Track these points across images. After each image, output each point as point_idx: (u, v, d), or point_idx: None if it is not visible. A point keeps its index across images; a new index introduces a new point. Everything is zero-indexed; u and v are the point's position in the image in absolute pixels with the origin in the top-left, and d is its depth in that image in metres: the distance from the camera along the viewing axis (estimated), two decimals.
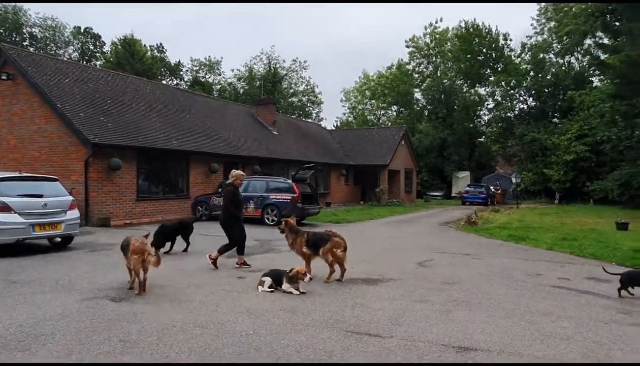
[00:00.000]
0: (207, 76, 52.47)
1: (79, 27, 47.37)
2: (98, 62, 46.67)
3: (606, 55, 24.88)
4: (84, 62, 44.41)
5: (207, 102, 24.71)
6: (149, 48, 47.39)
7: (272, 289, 6.37)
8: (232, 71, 70.23)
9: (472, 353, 4.19)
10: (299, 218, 16.60)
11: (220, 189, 17.48)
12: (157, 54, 48.21)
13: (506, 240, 12.71)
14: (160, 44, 49.09)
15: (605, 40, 29.45)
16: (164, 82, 45.67)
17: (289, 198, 15.71)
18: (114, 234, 12.65)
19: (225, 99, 42.96)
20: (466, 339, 4.54)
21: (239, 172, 8.68)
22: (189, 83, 50.17)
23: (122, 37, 43.41)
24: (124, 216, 15.39)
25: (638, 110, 20.77)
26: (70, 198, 10.14)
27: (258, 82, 48.13)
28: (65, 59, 39.73)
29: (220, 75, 53.19)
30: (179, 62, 50.27)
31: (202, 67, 51.95)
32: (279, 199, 15.82)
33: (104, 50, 47.97)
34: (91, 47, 48.30)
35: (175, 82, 49.46)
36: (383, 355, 4.11)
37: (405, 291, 6.58)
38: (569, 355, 4.17)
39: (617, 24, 24.44)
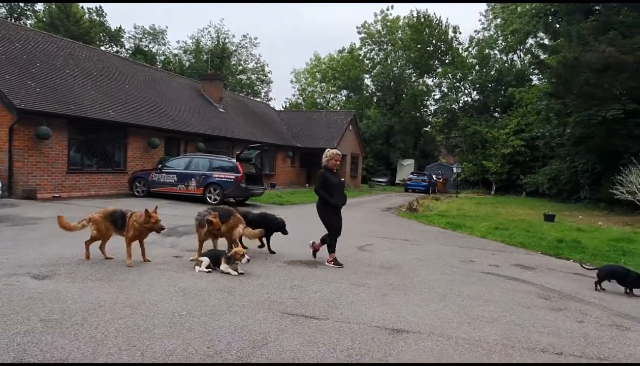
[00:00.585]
0: (150, 46, 49.94)
1: None
2: (29, 22, 43.02)
3: (545, 55, 26.16)
4: (12, 20, 40.83)
5: (150, 73, 23.54)
6: (86, 10, 44.31)
7: (210, 269, 6.20)
8: (178, 42, 67.43)
9: (404, 334, 4.28)
10: (243, 198, 16.42)
11: (160, 165, 16.84)
12: (95, 17, 45.15)
13: (444, 228, 13.18)
14: (100, 7, 45.96)
15: (546, 41, 30.93)
16: (102, 48, 43.03)
17: (233, 177, 15.39)
18: (41, 208, 11.85)
19: (169, 71, 41.22)
20: (399, 321, 4.63)
21: (334, 151, 7.31)
22: (130, 51, 47.50)
23: None
24: (52, 189, 14.43)
25: (570, 109, 22.10)
26: None
27: (205, 56, 46.49)
28: None
29: (165, 45, 50.84)
30: (120, 28, 47.36)
31: (146, 35, 49.32)
32: (222, 178, 15.47)
33: (36, 8, 44.25)
34: (21, 5, 44.37)
35: (115, 49, 46.64)
36: (317, 336, 4.10)
37: (344, 274, 6.63)
38: (493, 337, 4.36)
39: (558, 25, 25.69)
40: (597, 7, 20.92)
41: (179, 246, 7.97)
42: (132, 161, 17.49)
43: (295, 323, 4.40)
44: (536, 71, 33.99)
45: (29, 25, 40.41)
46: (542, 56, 26.20)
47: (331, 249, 7.27)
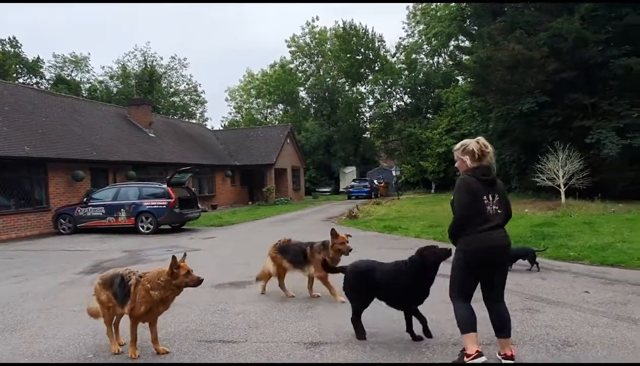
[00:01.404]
0: (73, 74, 47.66)
1: None
2: None
3: (465, 57, 27.57)
4: None
5: (70, 103, 22.40)
6: None
7: None
8: (103, 68, 64.67)
9: (321, 347, 4.24)
10: (178, 223, 15.91)
11: (85, 198, 16.01)
12: (9, 48, 42.54)
13: (381, 231, 13.39)
14: (14, 37, 43.39)
15: (466, 43, 32.68)
16: (20, 80, 40.64)
17: (165, 203, 14.87)
18: None
19: (96, 98, 39.53)
20: (318, 334, 4.59)
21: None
22: (51, 82, 45.12)
23: None
24: None
25: (491, 106, 23.38)
26: None
27: (133, 81, 45.01)
28: None
29: (89, 72, 48.68)
30: (38, 58, 44.82)
31: (67, 63, 47.01)
32: (154, 205, 14.91)
33: None
34: None
35: (34, 81, 44.12)
36: (232, 360, 3.97)
37: (272, 291, 6.50)
38: (408, 337, 4.40)
39: (474, 28, 27.20)
40: (504, 8, 22.36)
41: None
42: (55, 197, 16.50)
43: (210, 350, 4.25)
44: (459, 72, 35.77)
45: None
46: (464, 58, 27.58)
47: None
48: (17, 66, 42.50)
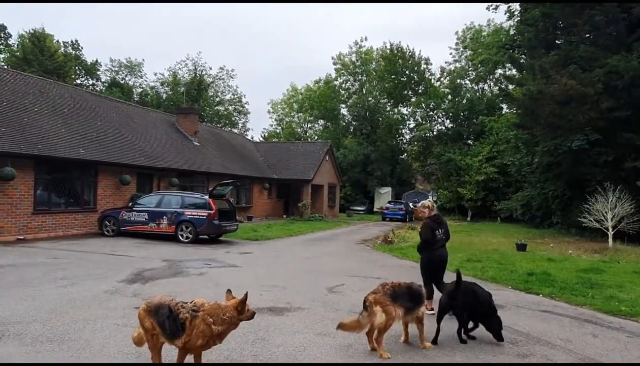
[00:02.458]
0: (127, 78, 49.84)
1: None
2: (2, 55, 42.58)
3: (512, 87, 27.04)
4: None
5: (123, 109, 23.34)
6: (62, 44, 44.13)
7: None
8: (155, 74, 67.30)
9: None
10: (216, 234, 16.17)
11: (130, 203, 16.53)
12: (71, 51, 44.95)
13: (417, 261, 13.08)
14: (76, 40, 45.86)
15: (514, 71, 32.07)
16: (78, 81, 42.76)
17: (205, 214, 15.17)
18: (2, 253, 11.43)
19: (146, 103, 41.09)
20: None
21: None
22: (107, 84, 47.28)
23: (31, 30, 40.05)
24: (16, 231, 13.96)
25: (537, 139, 22.74)
26: None
27: (182, 89, 46.55)
28: None
29: (142, 78, 50.82)
30: (96, 61, 47.23)
31: (122, 68, 49.26)
32: (195, 215, 15.23)
33: (10, 42, 43.90)
34: None
35: (91, 82, 46.37)
36: None
37: (310, 322, 6.48)
38: None
39: (524, 58, 26.68)
40: (557, 42, 21.84)
41: (142, 294, 7.68)
42: (102, 199, 17.13)
43: None
44: (505, 102, 35.13)
45: (1, 59, 40.03)
46: (510, 87, 27.05)
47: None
48: (76, 68, 44.77)
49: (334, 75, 53.32)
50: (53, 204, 15.50)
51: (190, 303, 4.21)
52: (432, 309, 6.93)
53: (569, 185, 22.10)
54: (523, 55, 26.90)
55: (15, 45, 42.23)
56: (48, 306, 6.69)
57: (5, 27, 43.92)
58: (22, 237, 14.00)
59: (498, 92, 38.07)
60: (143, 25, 78.92)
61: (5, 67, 29.50)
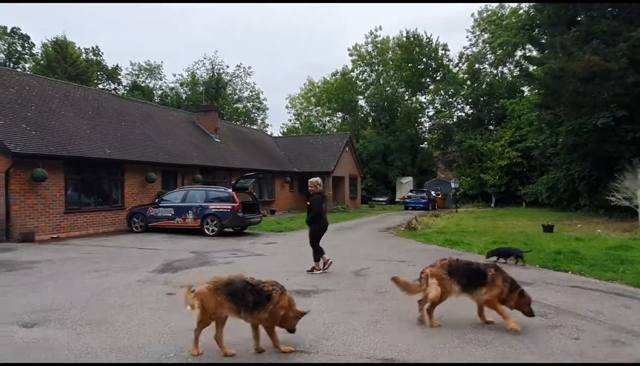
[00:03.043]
0: (147, 81, 50.74)
1: (5, 27, 44.33)
2: (27, 65, 43.87)
3: (533, 67, 26.47)
4: (11, 65, 41.61)
5: (145, 109, 23.84)
6: (83, 51, 45.18)
7: None
8: (174, 75, 68.44)
9: (394, 363, 4.24)
10: (241, 227, 16.42)
11: (157, 199, 16.90)
12: (92, 57, 46.00)
13: (442, 245, 13.11)
14: (96, 46, 46.91)
15: (534, 53, 31.37)
16: (100, 86, 43.72)
17: (229, 207, 15.41)
18: (38, 250, 11.88)
19: (167, 104, 41.76)
20: (390, 350, 4.59)
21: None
22: (128, 88, 48.26)
23: (53, 39, 41.11)
24: (50, 230, 14.46)
25: (561, 119, 22.25)
26: None
27: (201, 88, 47.14)
28: None
29: (161, 80, 51.67)
30: (117, 66, 48.24)
31: (142, 71, 50.16)
32: (219, 208, 15.49)
33: (34, 51, 45.20)
34: (19, 49, 45.34)
35: (112, 87, 47.41)
36: None
37: (337, 302, 6.58)
38: (487, 361, 4.31)
39: (544, 37, 26.08)
40: (578, 18, 21.28)
41: (172, 282, 7.91)
42: (129, 196, 17.57)
43: (284, 359, 4.36)
44: (526, 83, 34.41)
45: (27, 68, 41.29)
46: (530, 68, 26.49)
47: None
48: (98, 73, 45.82)
49: (350, 67, 53.18)
50: (83, 203, 15.99)
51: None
52: (319, 269, 8.77)
53: (596, 165, 21.57)
54: (543, 35, 26.31)
55: (39, 54, 43.44)
56: (85, 294, 6.96)
57: (28, 37, 45.26)
58: (55, 236, 14.50)
59: (518, 74, 37.31)
60: (161, 27, 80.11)
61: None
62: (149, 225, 16.20)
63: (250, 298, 4.39)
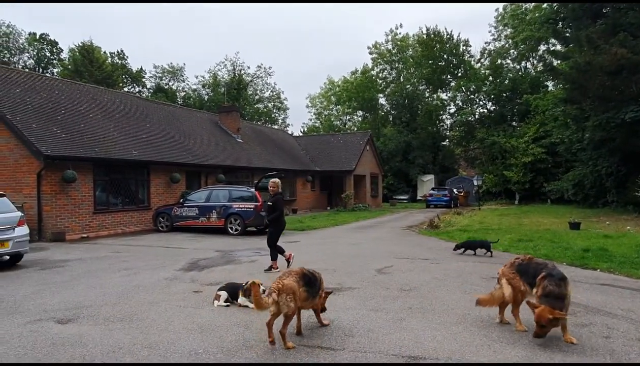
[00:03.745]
0: (170, 83, 51.64)
1: (35, 34, 45.70)
2: (55, 70, 45.16)
3: (558, 62, 25.93)
4: (40, 70, 42.88)
5: (169, 111, 24.29)
6: (109, 55, 46.24)
7: (228, 303, 6.29)
8: (197, 77, 69.36)
9: (420, 361, 4.25)
10: (263, 226, 16.54)
11: (181, 199, 17.21)
12: (117, 60, 47.06)
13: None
14: (121, 50, 48.00)
15: (558, 47, 30.70)
16: (125, 89, 44.68)
17: (252, 206, 15.59)
18: (69, 249, 12.25)
19: (189, 106, 42.39)
20: (416, 347, 4.60)
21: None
22: (151, 90, 49.21)
23: (80, 44, 42.20)
24: (80, 229, 14.89)
25: (587, 114, 21.74)
26: (19, 214, 9.72)
27: (222, 89, 47.70)
28: (19, 66, 38.32)
29: (184, 82, 52.54)
30: (141, 69, 49.25)
31: (165, 74, 51.09)
32: (242, 208, 15.68)
33: (62, 57, 46.49)
34: (48, 54, 46.70)
35: (137, 89, 48.42)
36: None
37: (361, 299, 6.61)
38: (514, 359, 4.29)
39: (569, 30, 25.51)
40: (604, 10, 20.72)
41: (199, 280, 8.09)
42: (155, 197, 17.94)
43: (311, 355, 4.42)
44: (550, 77, 33.71)
45: (55, 73, 42.49)
46: (555, 62, 25.95)
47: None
48: (123, 76, 46.87)
49: (370, 65, 52.96)
50: (111, 203, 16.41)
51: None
52: (277, 267, 8.90)
53: (624, 160, 20.99)
54: (568, 29, 25.72)
55: (67, 59, 44.65)
56: (115, 292, 7.17)
57: (57, 43, 46.58)
58: (85, 235, 14.93)
59: (542, 69, 36.55)
60: (182, 29, 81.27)
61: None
62: (174, 224, 16.52)
63: (317, 286, 5.04)
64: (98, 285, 7.69)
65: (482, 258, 10.36)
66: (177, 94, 50.84)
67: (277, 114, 55.72)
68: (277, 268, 8.88)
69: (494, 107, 43.66)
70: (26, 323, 5.53)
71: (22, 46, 45.05)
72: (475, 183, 34.22)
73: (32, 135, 14.07)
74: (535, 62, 42.49)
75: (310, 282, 4.95)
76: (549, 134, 32.92)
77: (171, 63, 53.55)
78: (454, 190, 37.53)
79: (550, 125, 32.61)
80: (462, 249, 10.95)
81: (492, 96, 42.31)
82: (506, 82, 41.48)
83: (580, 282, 7.70)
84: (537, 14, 36.52)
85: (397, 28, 51.01)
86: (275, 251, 9.11)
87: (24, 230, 9.56)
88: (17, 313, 5.97)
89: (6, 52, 43.69)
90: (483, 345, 4.67)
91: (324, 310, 5.34)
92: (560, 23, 27.33)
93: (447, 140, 50.43)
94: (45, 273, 9.00)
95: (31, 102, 15.85)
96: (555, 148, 31.45)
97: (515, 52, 42.50)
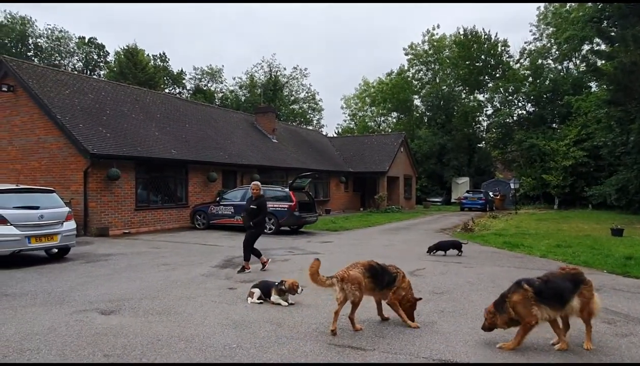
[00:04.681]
0: (209, 85, 52.89)
1: (84, 38, 47.80)
2: (102, 72, 47.11)
3: (602, 62, 24.97)
4: (88, 72, 44.82)
5: (207, 111, 24.91)
6: (151, 57, 47.84)
7: (261, 300, 6.45)
8: (234, 79, 70.76)
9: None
10: (297, 226, 16.76)
11: (218, 198, 17.63)
12: (159, 63, 48.63)
13: (500, 247, 12.75)
14: (163, 53, 49.67)
15: (603, 47, 29.52)
16: (166, 91, 46.10)
17: (286, 206, 15.80)
18: (112, 244, 12.79)
19: (227, 107, 43.28)
20: (447, 351, 4.61)
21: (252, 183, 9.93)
22: (191, 91, 50.56)
23: (125, 47, 43.83)
24: (122, 225, 15.52)
25: (632, 116, 20.85)
26: (67, 209, 10.25)
27: (259, 90, 48.45)
28: (69, 69, 40.22)
29: (222, 83, 53.68)
30: (182, 70, 50.75)
31: (204, 75, 52.37)
32: (276, 207, 15.91)
33: (108, 59, 48.46)
34: (95, 57, 48.77)
35: (177, 90, 49.90)
36: None
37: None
38: None
39: (614, 30, 24.51)
40: None
41: (233, 277, 8.31)
42: (192, 195, 18.46)
43: (342, 355, 4.50)
44: (594, 78, 32.45)
45: (102, 75, 44.35)
46: (599, 63, 24.98)
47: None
48: (165, 78, 48.43)
49: (406, 66, 52.48)
50: (151, 201, 17.00)
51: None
52: (250, 268, 8.82)
53: None
54: (613, 27, 24.71)
55: (112, 62, 46.51)
56: (154, 286, 7.48)
57: (103, 46, 48.60)
58: (127, 231, 15.55)
59: (585, 69, 35.20)
60: (226, 33, 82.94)
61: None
62: (210, 222, 16.95)
63: (386, 278, 5.29)
64: (138, 279, 8.03)
65: (516, 262, 10.16)
66: (215, 95, 52.01)
67: (312, 115, 56.12)
68: (250, 269, 8.75)
69: (533, 109, 42.40)
70: (72, 312, 5.86)
71: (72, 50, 47.26)
72: (512, 186, 33.30)
73: (80, 134, 14.78)
74: (577, 62, 41.00)
75: (377, 274, 5.27)
76: (591, 137, 31.72)
77: (210, 65, 54.96)
78: (490, 193, 36.70)
79: (592, 127, 31.40)
80: (434, 251, 11.27)
81: (532, 97, 41.09)
82: (547, 82, 40.20)
83: (621, 291, 7.46)
84: (580, 13, 35.27)
85: (434, 29, 50.38)
86: (249, 252, 8.91)
87: (71, 225, 10.08)
88: (64, 303, 6.34)
89: (57, 55, 45.93)
90: (516, 352, 4.62)
91: (411, 314, 5.46)
92: (605, 22, 26.29)
93: (484, 142, 49.34)
94: (90, 266, 9.46)
95: (79, 103, 16.63)
96: (598, 151, 30.28)
97: (557, 52, 41.14)
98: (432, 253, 11.24)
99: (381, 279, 5.30)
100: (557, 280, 4.75)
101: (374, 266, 5.37)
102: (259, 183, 9.65)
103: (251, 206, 9.30)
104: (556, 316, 4.67)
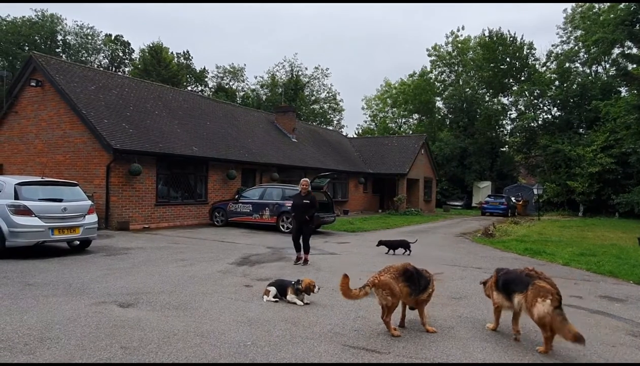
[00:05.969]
0: (231, 83, 53.36)
1: (110, 35, 48.80)
2: (127, 69, 47.98)
3: (633, 66, 24.24)
4: (114, 69, 45.70)
5: (229, 110, 25.11)
6: (175, 55, 48.51)
7: (277, 299, 6.44)
8: (256, 78, 71.31)
9: None
10: (315, 226, 16.70)
11: (237, 195, 17.75)
12: (183, 61, 49.29)
13: (522, 254, 12.49)
14: (187, 51, 50.24)
15: (634, 50, 28.73)
16: (189, 88, 46.68)
17: None
18: (132, 238, 12.99)
19: (248, 105, 43.59)
20: (464, 357, 4.52)
21: (302, 180, 10.32)
22: (213, 89, 51.08)
23: (150, 44, 44.56)
24: (142, 220, 15.75)
25: None
26: (89, 202, 10.44)
27: (280, 90, 48.64)
28: (95, 65, 41.09)
29: (243, 82, 54.09)
30: (204, 69, 51.32)
31: (226, 74, 52.87)
32: None
33: (133, 57, 49.34)
34: (120, 54, 49.72)
35: (200, 88, 50.47)
36: None
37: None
38: None
39: None
40: None
41: (250, 275, 8.33)
42: (212, 192, 18.62)
43: (356, 356, 4.45)
44: (624, 82, 31.54)
45: (126, 72, 45.19)
46: (629, 67, 24.27)
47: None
48: (188, 76, 49.06)
49: (428, 67, 51.94)
50: (171, 197, 17.22)
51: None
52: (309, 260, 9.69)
53: None
54: None
55: (137, 59, 47.35)
56: (172, 281, 7.55)
57: (129, 43, 49.50)
58: (147, 226, 15.78)
59: (615, 73, 34.24)
60: (249, 32, 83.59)
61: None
62: (229, 220, 17.07)
63: (422, 282, 5.17)
64: (157, 273, 8.12)
65: (537, 270, 9.90)
66: (237, 93, 52.45)
67: (332, 115, 56.08)
68: (309, 261, 9.69)
69: (559, 113, 41.40)
70: (92, 304, 5.95)
71: (98, 47, 48.29)
72: (535, 191, 32.59)
73: (104, 129, 15.06)
74: (607, 66, 39.87)
75: (412, 278, 5.10)
76: (619, 143, 30.82)
77: (232, 63, 55.43)
78: (512, 198, 36.02)
79: (621, 133, 30.51)
80: (387, 249, 11.71)
81: (558, 101, 40.12)
82: (574, 86, 39.22)
83: None
84: (611, 15, 34.31)
85: (458, 30, 49.63)
86: (308, 244, 9.78)
87: (93, 218, 10.26)
88: (84, 295, 6.45)
89: (84, 52, 46.99)
90: (536, 360, 4.50)
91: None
92: (638, 25, 25.53)
93: (507, 146, 48.42)
94: (110, 259, 9.61)
95: (104, 98, 16.95)
96: (627, 158, 29.42)
97: (586, 55, 40.08)
98: (387, 251, 11.66)
99: (417, 283, 5.15)
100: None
101: (409, 270, 5.21)
102: (308, 180, 10.12)
103: (304, 202, 9.76)
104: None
